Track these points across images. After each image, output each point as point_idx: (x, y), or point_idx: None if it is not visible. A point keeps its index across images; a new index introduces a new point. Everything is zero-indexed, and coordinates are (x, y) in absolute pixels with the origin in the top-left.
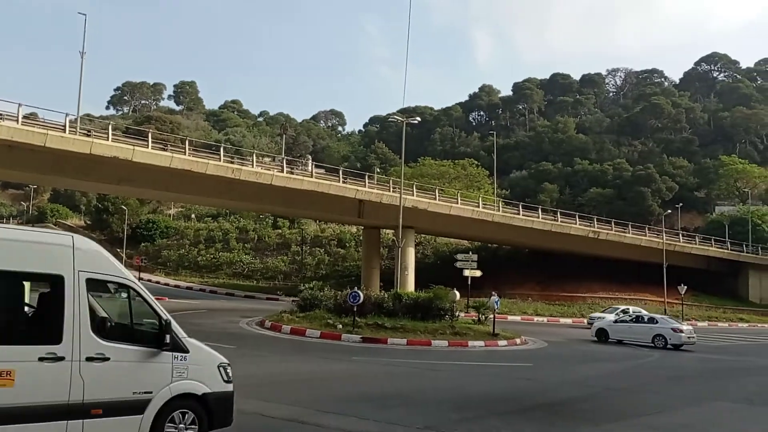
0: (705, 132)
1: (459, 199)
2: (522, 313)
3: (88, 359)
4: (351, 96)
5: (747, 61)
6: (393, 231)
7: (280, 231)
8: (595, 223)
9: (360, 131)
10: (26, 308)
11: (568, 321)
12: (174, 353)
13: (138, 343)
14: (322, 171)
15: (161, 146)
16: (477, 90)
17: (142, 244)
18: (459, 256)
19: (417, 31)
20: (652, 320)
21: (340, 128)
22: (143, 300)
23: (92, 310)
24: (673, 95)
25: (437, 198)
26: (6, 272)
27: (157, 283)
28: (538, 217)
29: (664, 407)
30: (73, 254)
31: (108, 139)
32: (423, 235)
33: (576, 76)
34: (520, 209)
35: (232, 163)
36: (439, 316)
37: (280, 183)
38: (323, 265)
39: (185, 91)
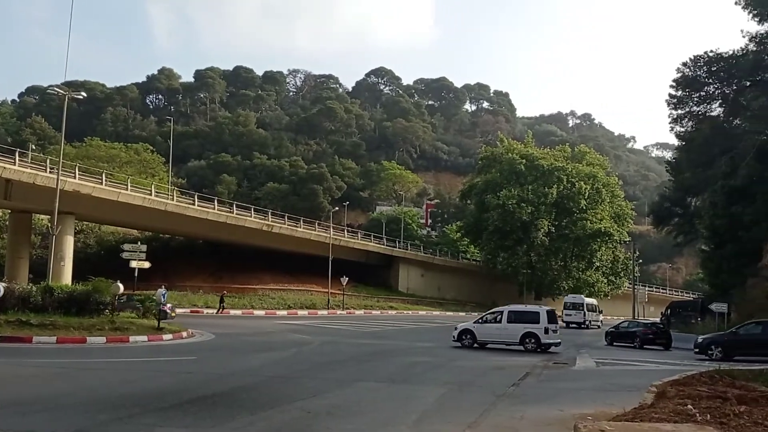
0: (371, 138)
1: (129, 185)
2: (192, 306)
3: None
4: (3, 60)
5: (407, 79)
6: (49, 217)
7: None
8: (270, 216)
9: (14, 101)
10: None
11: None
12: None
13: None
14: None
15: None
16: (156, 72)
17: None
18: (126, 246)
19: None
20: None
21: None
22: None
23: None
24: (346, 101)
25: (104, 183)
26: None
27: None
28: (214, 209)
29: (318, 390)
30: None
31: None
32: (86, 223)
33: (259, 71)
34: (196, 199)
35: None
36: (98, 310)
37: None
38: None
39: None
